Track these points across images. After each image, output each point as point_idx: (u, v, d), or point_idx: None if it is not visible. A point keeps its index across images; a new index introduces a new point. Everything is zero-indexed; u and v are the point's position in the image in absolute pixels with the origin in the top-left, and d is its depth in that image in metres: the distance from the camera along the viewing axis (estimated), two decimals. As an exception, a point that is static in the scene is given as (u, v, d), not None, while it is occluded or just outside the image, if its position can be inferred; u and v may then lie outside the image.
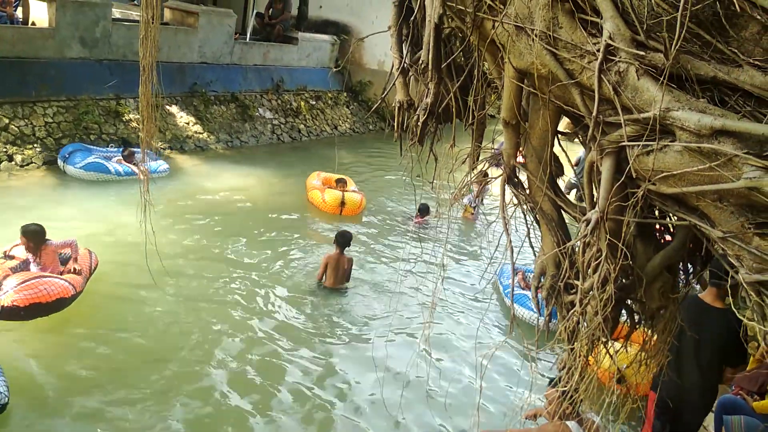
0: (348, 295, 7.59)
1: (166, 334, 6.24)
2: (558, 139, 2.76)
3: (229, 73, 14.43)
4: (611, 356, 2.86)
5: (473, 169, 3.07)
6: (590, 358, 2.60)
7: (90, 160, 9.89)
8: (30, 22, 11.59)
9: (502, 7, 2.37)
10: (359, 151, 15.26)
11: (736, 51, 1.99)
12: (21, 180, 9.53)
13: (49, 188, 9.52)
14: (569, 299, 2.62)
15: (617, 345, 3.17)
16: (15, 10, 11.59)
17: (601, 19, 2.13)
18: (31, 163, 9.99)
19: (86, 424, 4.88)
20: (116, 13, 12.71)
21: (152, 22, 3.94)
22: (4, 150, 9.80)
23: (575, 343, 2.55)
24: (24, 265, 6.18)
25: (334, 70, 16.76)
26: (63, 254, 6.58)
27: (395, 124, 3.08)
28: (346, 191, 10.62)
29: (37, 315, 5.75)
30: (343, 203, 10.28)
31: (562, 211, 2.78)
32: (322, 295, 7.48)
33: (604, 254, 2.33)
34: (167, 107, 12.68)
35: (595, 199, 2.37)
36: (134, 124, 11.64)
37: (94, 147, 10.56)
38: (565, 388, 2.68)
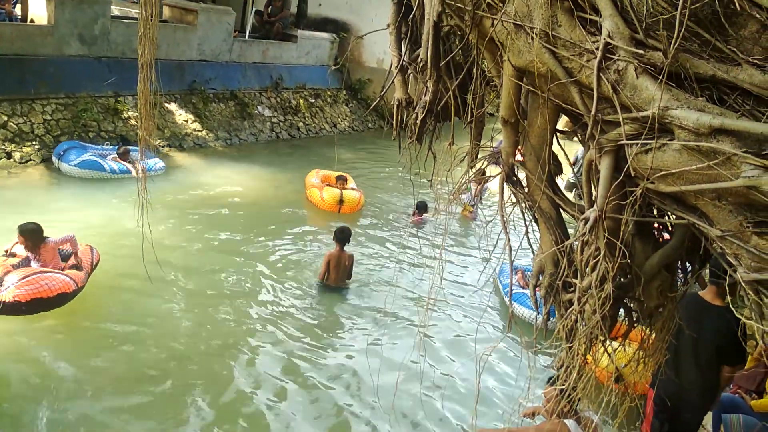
0: (349, 293, 7.59)
1: (164, 333, 6.24)
2: (557, 138, 2.76)
3: (228, 70, 14.41)
4: (609, 355, 2.86)
5: (472, 168, 3.07)
6: (588, 356, 2.59)
7: (85, 157, 9.87)
8: (29, 20, 11.59)
9: (501, 5, 2.36)
10: (358, 149, 15.25)
11: (735, 49, 1.99)
12: (20, 177, 9.52)
13: (48, 185, 9.52)
14: (567, 298, 2.62)
15: (615, 344, 3.17)
16: (14, 7, 11.59)
17: (600, 17, 2.12)
18: (30, 160, 9.99)
19: (97, 422, 4.90)
20: (115, 10, 12.70)
21: (151, 20, 3.93)
22: (3, 147, 9.80)
23: (573, 342, 2.55)
24: (25, 263, 6.20)
25: (334, 68, 16.75)
26: (64, 250, 6.59)
27: (394, 122, 3.07)
28: (345, 189, 10.62)
29: (38, 310, 5.77)
30: (341, 201, 10.28)
31: (561, 210, 2.78)
32: (324, 292, 7.48)
33: (602, 253, 2.33)
34: (166, 105, 12.67)
35: (593, 198, 2.37)
36: (133, 122, 11.63)
37: (89, 144, 10.53)
38: (563, 387, 2.68)
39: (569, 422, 3.55)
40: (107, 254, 7.09)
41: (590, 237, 2.33)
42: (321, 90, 16.97)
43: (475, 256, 9.45)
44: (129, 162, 10.25)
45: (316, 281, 7.58)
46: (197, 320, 6.49)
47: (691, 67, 2.01)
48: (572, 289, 2.58)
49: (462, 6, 2.49)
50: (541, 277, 2.77)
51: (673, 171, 2.05)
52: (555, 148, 2.75)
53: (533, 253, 2.89)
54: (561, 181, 2.96)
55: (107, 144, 10.90)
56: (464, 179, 3.06)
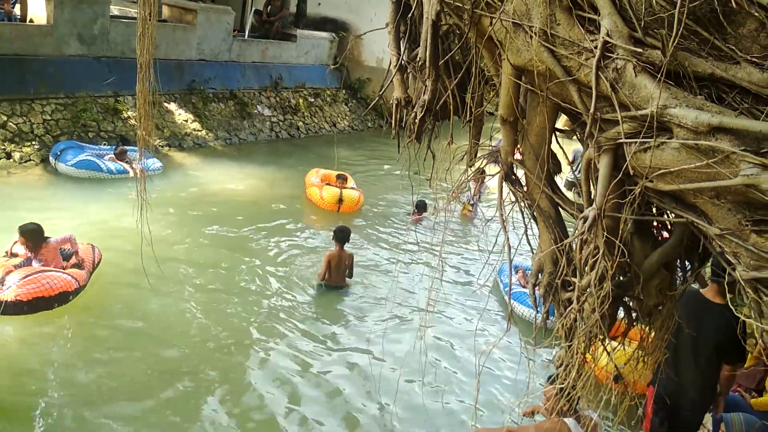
0: (349, 292, 7.59)
1: (163, 331, 6.25)
2: (556, 137, 2.76)
3: (228, 70, 14.41)
4: (608, 353, 2.86)
5: (471, 167, 3.07)
6: (587, 355, 2.59)
7: (82, 157, 9.84)
8: (28, 19, 11.58)
9: (499, 4, 2.36)
10: (357, 148, 15.25)
11: (733, 48, 1.99)
12: (19, 177, 9.52)
13: (47, 185, 9.51)
14: (567, 296, 2.62)
15: (614, 343, 3.17)
16: (13, 7, 11.58)
17: (599, 16, 2.12)
18: (30, 160, 9.98)
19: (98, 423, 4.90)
20: (114, 10, 12.70)
21: (149, 19, 3.93)
22: (3, 147, 9.79)
23: (573, 341, 2.55)
24: (27, 263, 6.21)
25: (333, 67, 16.73)
26: (65, 250, 6.59)
27: (393, 121, 3.07)
28: (345, 188, 10.62)
29: (40, 309, 5.78)
30: (340, 200, 10.27)
31: (560, 208, 2.78)
32: (324, 292, 7.48)
33: (601, 251, 2.33)
34: (166, 104, 12.66)
35: (592, 196, 2.37)
36: (132, 122, 11.62)
37: (87, 144, 10.51)
38: (563, 385, 2.68)
39: (569, 421, 3.56)
40: (107, 253, 7.09)
41: (589, 236, 2.33)
42: (320, 89, 16.96)
43: (476, 254, 9.45)
44: (126, 162, 10.24)
45: (316, 281, 7.57)
46: (197, 319, 6.49)
47: (689, 66, 2.01)
48: (571, 287, 2.58)
49: (461, 5, 2.49)
50: (540, 276, 2.78)
51: (672, 169, 2.05)
52: (554, 146, 2.75)
53: (533, 252, 2.89)
54: (560, 180, 2.96)
55: (105, 144, 10.87)
56: (463, 178, 3.07)
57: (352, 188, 10.87)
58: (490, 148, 3.04)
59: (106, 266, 6.95)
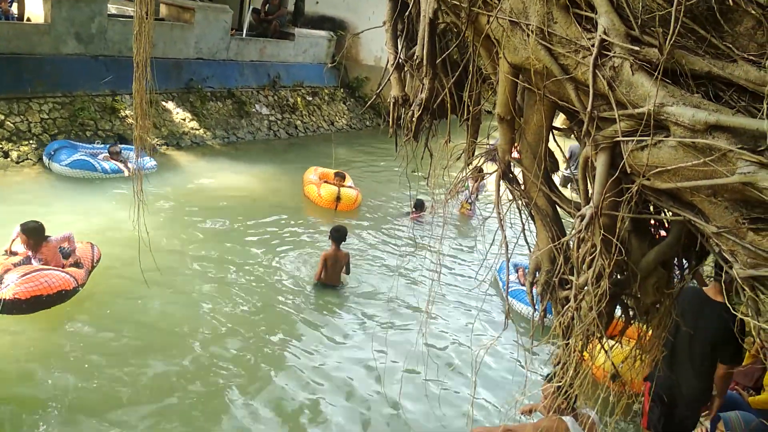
0: (346, 291, 7.59)
1: (164, 331, 6.24)
2: (553, 135, 2.76)
3: (226, 69, 14.39)
4: (606, 352, 2.87)
5: (468, 165, 3.07)
6: (585, 353, 2.60)
7: (76, 157, 9.79)
8: (25, 18, 11.55)
9: (496, 2, 2.36)
10: (355, 147, 15.24)
11: (730, 46, 1.99)
12: (17, 176, 9.50)
13: (45, 184, 9.49)
14: (564, 294, 2.63)
15: (611, 342, 3.18)
16: (10, 6, 11.57)
17: (596, 14, 2.13)
18: (27, 159, 9.96)
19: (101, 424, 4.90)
20: (112, 8, 12.66)
21: (146, 18, 3.92)
22: (0, 147, 9.77)
23: (570, 339, 2.55)
24: (26, 261, 6.19)
25: (331, 66, 16.72)
26: (64, 249, 6.59)
27: (390, 120, 3.07)
28: (343, 186, 10.61)
29: (39, 308, 5.76)
30: (338, 198, 10.27)
31: (557, 207, 2.78)
32: (321, 291, 7.47)
33: (598, 249, 2.33)
34: (163, 103, 12.64)
35: (589, 195, 2.37)
36: (130, 121, 11.60)
37: (81, 144, 10.46)
38: (561, 383, 2.68)
39: (567, 419, 3.56)
40: (105, 251, 7.08)
41: (586, 234, 2.33)
42: (318, 88, 16.95)
43: (474, 252, 9.45)
44: (120, 161, 10.21)
45: (313, 281, 7.57)
46: (196, 318, 6.48)
47: (686, 64, 2.01)
48: (569, 286, 2.58)
49: (458, 3, 2.49)
50: (537, 274, 2.78)
51: (669, 168, 2.05)
52: (551, 145, 2.75)
53: (530, 250, 2.89)
54: (556, 177, 2.96)
55: (99, 143, 10.81)
56: (461, 176, 3.07)
57: (350, 186, 10.86)
58: (488, 146, 3.04)
59: (105, 265, 6.93)
